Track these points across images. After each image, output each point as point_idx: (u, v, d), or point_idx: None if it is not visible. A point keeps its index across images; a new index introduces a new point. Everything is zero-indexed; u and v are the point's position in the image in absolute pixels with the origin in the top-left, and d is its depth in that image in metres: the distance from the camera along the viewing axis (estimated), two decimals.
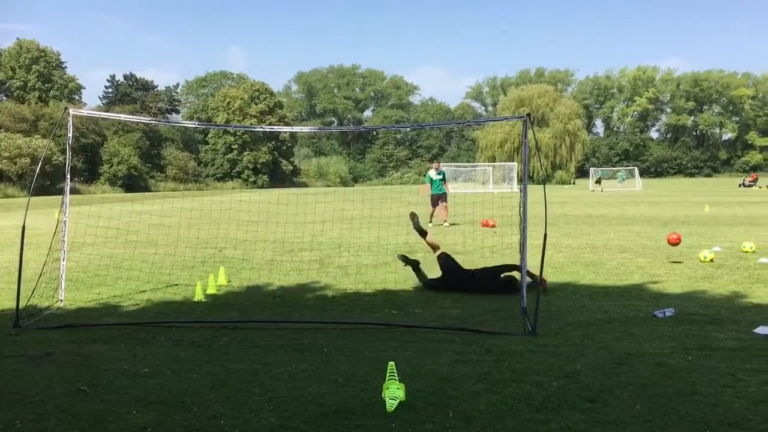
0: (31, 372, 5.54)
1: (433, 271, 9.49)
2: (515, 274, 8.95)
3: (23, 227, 7.60)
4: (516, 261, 8.44)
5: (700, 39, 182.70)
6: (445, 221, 19.69)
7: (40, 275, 8.08)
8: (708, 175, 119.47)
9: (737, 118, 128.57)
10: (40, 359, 5.91)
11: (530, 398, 4.79)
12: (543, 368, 5.50)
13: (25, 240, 7.55)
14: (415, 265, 9.56)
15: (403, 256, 9.82)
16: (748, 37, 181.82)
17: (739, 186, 62.90)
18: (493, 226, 18.20)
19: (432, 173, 20.56)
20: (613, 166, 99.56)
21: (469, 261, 10.24)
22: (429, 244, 9.97)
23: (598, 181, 62.70)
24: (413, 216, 9.89)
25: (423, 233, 9.89)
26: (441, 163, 22.07)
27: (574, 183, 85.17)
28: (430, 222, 19.62)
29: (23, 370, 5.61)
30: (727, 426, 4.27)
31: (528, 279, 8.10)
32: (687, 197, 39.04)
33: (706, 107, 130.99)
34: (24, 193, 51.35)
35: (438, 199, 20.13)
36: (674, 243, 12.03)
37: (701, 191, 49.95)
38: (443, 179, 20.39)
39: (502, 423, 4.33)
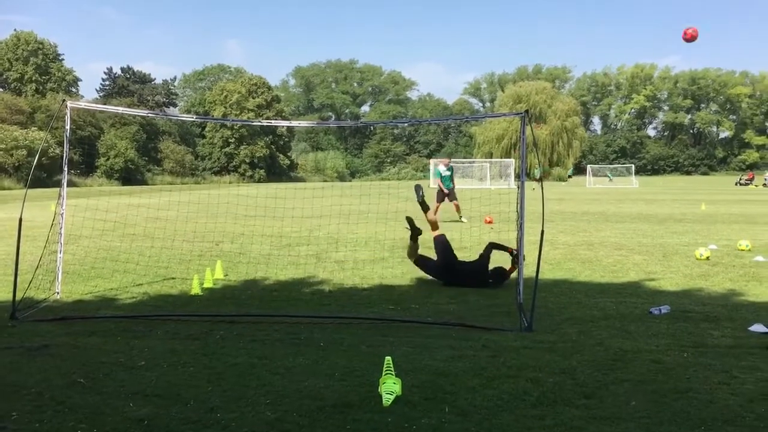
0: (28, 364, 5.54)
1: (429, 253, 9.47)
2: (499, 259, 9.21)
3: (20, 219, 7.58)
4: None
5: (699, 37, 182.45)
6: (461, 218, 19.51)
7: (37, 267, 8.07)
8: (705, 174, 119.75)
9: (734, 117, 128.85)
10: (37, 351, 5.91)
11: (526, 394, 4.80)
12: (539, 364, 5.52)
13: (21, 232, 7.54)
14: (416, 233, 9.35)
15: (410, 219, 9.50)
16: (745, 36, 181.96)
17: (736, 184, 63.14)
18: (489, 222, 18.18)
19: (442, 168, 20.43)
20: (610, 164, 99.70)
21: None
22: (429, 222, 9.65)
23: (539, 179, 50.48)
24: (418, 188, 9.59)
25: (425, 208, 9.63)
26: (449, 160, 21.88)
27: (569, 178, 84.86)
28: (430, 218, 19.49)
29: (20, 362, 5.61)
30: (722, 423, 4.29)
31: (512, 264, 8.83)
32: (683, 195, 39.11)
33: (703, 105, 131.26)
34: (20, 186, 51.22)
35: (445, 195, 20.00)
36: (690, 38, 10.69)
37: (698, 189, 50.05)
38: (452, 175, 20.30)
39: (498, 418, 4.35)
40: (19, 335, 6.49)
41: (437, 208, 19.92)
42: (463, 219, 19.30)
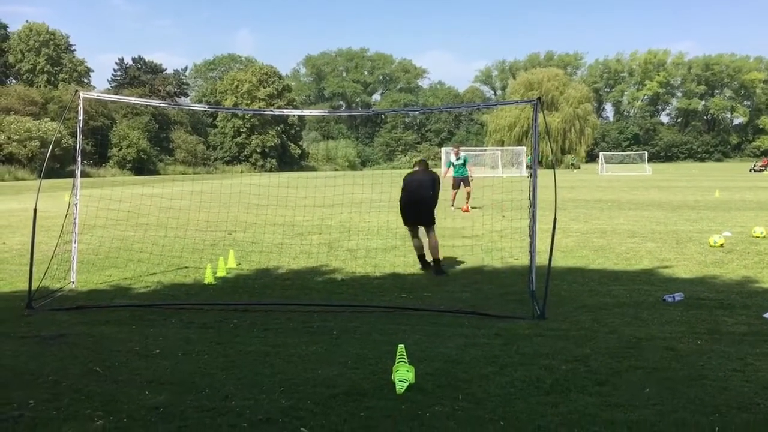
0: (45, 353, 5.60)
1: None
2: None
3: (35, 210, 7.64)
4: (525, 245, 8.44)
5: (712, 22, 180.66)
6: (454, 205, 19.43)
7: (52, 257, 8.15)
8: (718, 160, 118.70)
9: (749, 103, 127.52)
10: (53, 340, 5.97)
11: (539, 381, 4.80)
12: (552, 352, 5.51)
13: (36, 222, 7.60)
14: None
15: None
16: (760, 20, 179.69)
17: (750, 171, 62.49)
18: (466, 211, 18.25)
19: (452, 158, 20.29)
20: (623, 151, 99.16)
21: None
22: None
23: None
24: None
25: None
26: (460, 148, 21.63)
27: (578, 167, 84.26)
28: (452, 206, 19.32)
29: (37, 351, 5.67)
30: (736, 410, 4.27)
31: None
32: (697, 182, 38.82)
33: (717, 91, 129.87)
34: (34, 176, 51.58)
35: (460, 182, 19.86)
36: None
37: (711, 176, 49.65)
38: (464, 164, 20.09)
39: (511, 406, 4.35)
40: (35, 324, 6.56)
41: (454, 195, 19.77)
42: (452, 207, 19.20)
